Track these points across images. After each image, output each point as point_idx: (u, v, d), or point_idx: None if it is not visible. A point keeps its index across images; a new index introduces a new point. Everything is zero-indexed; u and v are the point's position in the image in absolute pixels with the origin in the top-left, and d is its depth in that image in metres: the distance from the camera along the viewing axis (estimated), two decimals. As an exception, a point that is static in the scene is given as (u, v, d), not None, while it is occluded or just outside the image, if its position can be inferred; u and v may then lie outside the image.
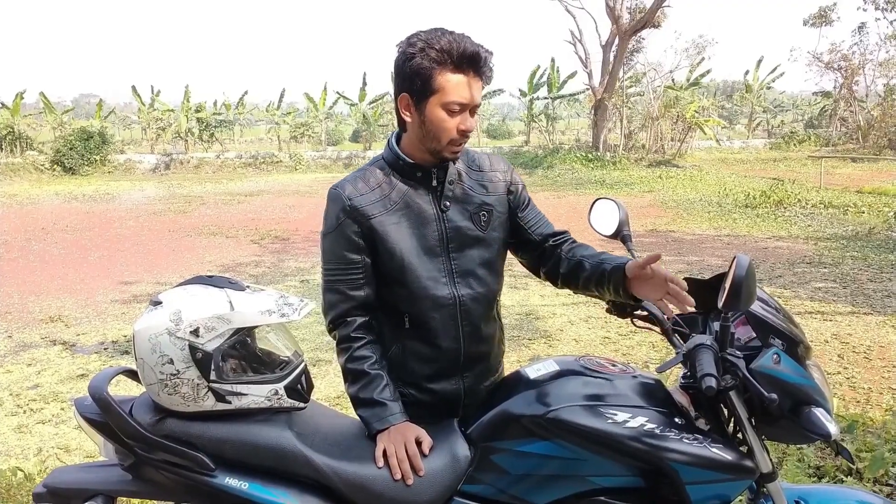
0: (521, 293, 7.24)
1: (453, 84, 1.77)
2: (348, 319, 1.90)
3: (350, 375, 1.89)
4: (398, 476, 1.71)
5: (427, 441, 1.78)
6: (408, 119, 1.86)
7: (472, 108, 1.83)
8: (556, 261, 2.08)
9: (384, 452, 1.75)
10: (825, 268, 8.34)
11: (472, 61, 1.77)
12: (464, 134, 1.83)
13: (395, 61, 1.83)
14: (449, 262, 1.94)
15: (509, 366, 2.13)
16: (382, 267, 1.90)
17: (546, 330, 6.05)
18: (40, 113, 28.51)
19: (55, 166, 23.77)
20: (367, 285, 1.91)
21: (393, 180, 1.91)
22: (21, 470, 3.53)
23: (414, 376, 1.96)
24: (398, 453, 1.74)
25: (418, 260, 1.90)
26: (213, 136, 29.69)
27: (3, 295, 7.90)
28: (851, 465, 3.31)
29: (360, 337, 1.89)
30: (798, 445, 3.49)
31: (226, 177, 24.30)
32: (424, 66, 1.76)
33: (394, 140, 1.94)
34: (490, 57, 1.80)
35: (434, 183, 1.92)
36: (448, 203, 1.93)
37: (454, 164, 1.94)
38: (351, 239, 1.87)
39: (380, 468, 1.72)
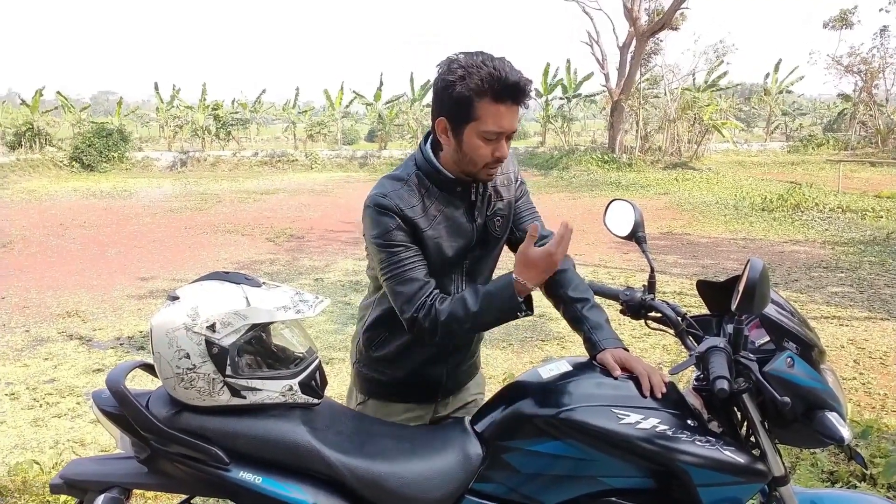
0: (533, 294, 7.23)
1: (492, 113, 1.78)
2: (427, 302, 1.86)
3: (455, 315, 1.84)
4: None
5: (534, 226, 1.85)
6: (444, 142, 1.89)
7: (508, 135, 1.84)
8: None
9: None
10: (842, 272, 8.27)
11: (512, 91, 1.78)
12: (498, 160, 1.85)
13: (434, 84, 1.86)
14: (463, 264, 2.02)
15: (521, 366, 2.15)
16: None
17: (559, 332, 6.04)
18: (56, 109, 28.76)
19: (74, 163, 23.96)
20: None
21: (431, 192, 1.93)
22: (37, 462, 3.58)
23: (409, 363, 2.05)
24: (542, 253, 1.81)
25: (443, 266, 1.97)
26: (229, 134, 29.83)
27: (21, 289, 7.99)
28: (865, 471, 3.30)
29: (433, 297, 1.87)
30: (811, 450, 3.48)
31: (242, 175, 24.42)
32: (464, 95, 1.78)
33: (430, 151, 1.94)
34: (529, 85, 1.82)
35: (472, 198, 1.98)
36: (478, 213, 1.99)
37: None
38: (408, 233, 1.89)
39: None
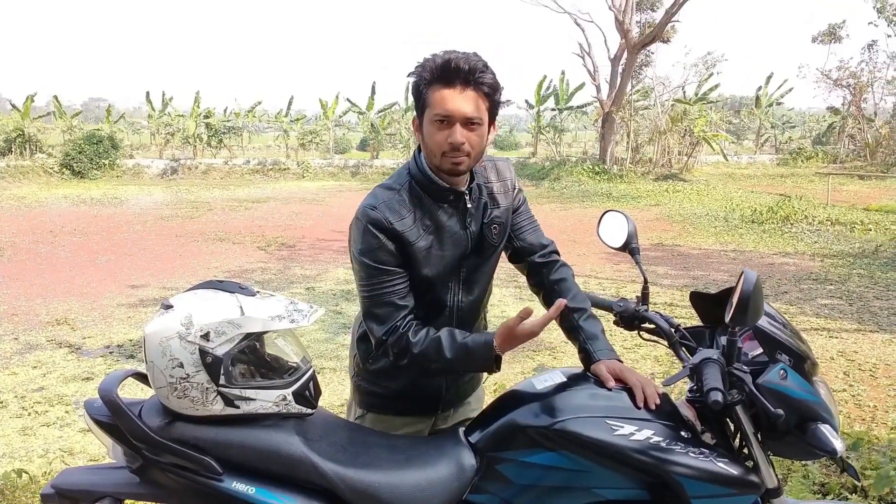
0: (527, 303, 7.23)
1: (438, 97, 1.81)
2: (400, 328, 1.88)
3: (426, 354, 1.86)
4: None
5: (525, 310, 1.81)
6: (418, 140, 1.92)
7: (463, 121, 1.81)
8: (537, 283, 2.17)
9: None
10: (831, 285, 8.31)
11: (456, 72, 1.79)
12: (453, 147, 1.82)
13: None
14: (459, 273, 2.01)
15: (514, 377, 2.16)
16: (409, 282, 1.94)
17: (550, 342, 6.05)
18: (48, 115, 28.66)
19: (64, 170, 23.87)
20: (410, 294, 1.93)
21: (424, 202, 1.92)
22: (26, 472, 3.54)
23: (408, 375, 2.02)
24: (527, 330, 1.79)
25: (439, 275, 1.96)
26: (221, 142, 29.79)
27: (10, 297, 7.93)
28: (857, 483, 3.30)
29: (409, 326, 1.89)
30: (803, 462, 3.49)
31: (233, 183, 24.38)
32: (418, 85, 1.85)
33: (422, 160, 1.93)
34: (478, 66, 1.80)
35: (468, 205, 1.96)
36: (471, 220, 1.98)
37: (474, 179, 1.97)
38: (393, 253, 1.88)
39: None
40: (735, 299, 1.64)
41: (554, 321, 2.09)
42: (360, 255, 1.89)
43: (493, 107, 1.88)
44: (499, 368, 1.88)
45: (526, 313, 1.80)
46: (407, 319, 1.89)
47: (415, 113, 1.92)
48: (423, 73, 1.82)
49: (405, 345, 1.86)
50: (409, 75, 1.88)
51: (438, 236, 1.93)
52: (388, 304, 1.88)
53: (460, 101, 1.80)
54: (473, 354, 1.84)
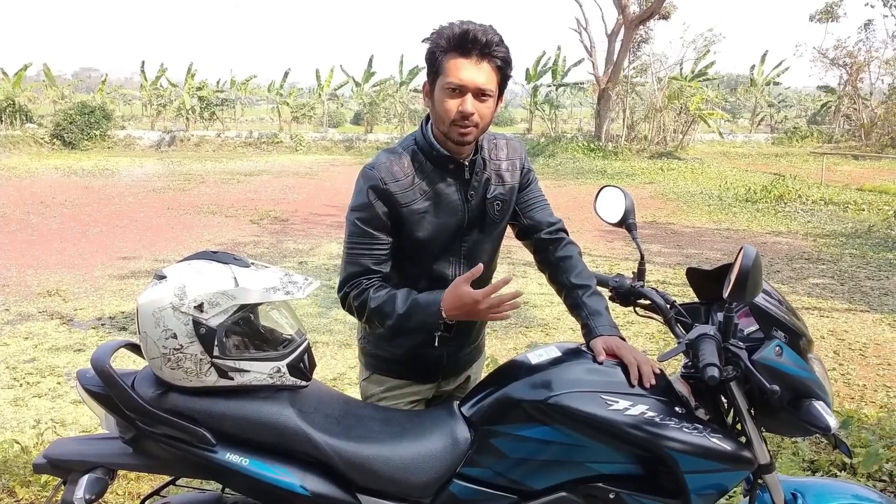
0: (519, 281, 7.24)
1: (452, 65, 1.83)
2: (364, 284, 1.92)
3: (382, 308, 1.88)
4: (506, 311, 1.79)
5: (477, 268, 1.81)
6: (427, 106, 1.94)
7: (475, 92, 1.84)
8: (543, 259, 2.18)
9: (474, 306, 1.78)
10: (823, 264, 8.35)
11: (473, 43, 1.81)
12: (463, 116, 1.84)
13: None
14: (460, 247, 2.03)
15: (506, 353, 2.15)
16: (399, 247, 1.97)
17: (543, 318, 6.06)
18: (43, 82, 28.36)
19: (55, 140, 23.64)
20: (388, 262, 1.96)
21: (425, 168, 1.95)
22: (17, 442, 3.54)
23: (408, 342, 2.06)
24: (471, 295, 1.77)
25: (435, 245, 1.98)
26: (213, 114, 29.54)
27: (1, 267, 7.89)
28: (847, 460, 3.33)
29: (372, 284, 1.92)
30: (793, 439, 3.51)
31: (226, 156, 24.21)
32: (433, 52, 1.87)
33: (428, 128, 1.96)
34: (495, 39, 1.83)
35: (466, 176, 1.98)
36: (472, 193, 1.99)
37: (479, 153, 1.99)
38: (380, 218, 1.92)
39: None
40: (734, 275, 1.63)
41: (558, 296, 2.11)
42: (351, 211, 1.95)
43: (504, 80, 1.92)
44: (449, 333, 1.91)
45: (477, 271, 1.82)
46: (373, 280, 1.93)
47: (426, 79, 1.93)
48: (440, 41, 1.84)
49: (365, 298, 1.90)
50: (423, 40, 1.90)
51: (435, 203, 1.95)
52: (362, 266, 1.93)
53: (475, 72, 1.83)
54: (422, 311, 1.85)
